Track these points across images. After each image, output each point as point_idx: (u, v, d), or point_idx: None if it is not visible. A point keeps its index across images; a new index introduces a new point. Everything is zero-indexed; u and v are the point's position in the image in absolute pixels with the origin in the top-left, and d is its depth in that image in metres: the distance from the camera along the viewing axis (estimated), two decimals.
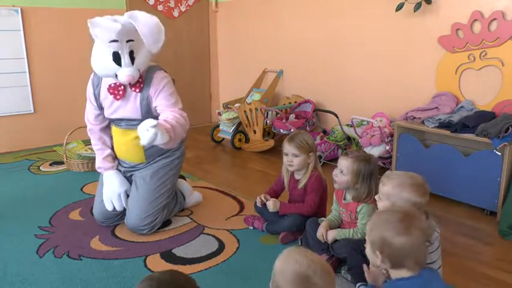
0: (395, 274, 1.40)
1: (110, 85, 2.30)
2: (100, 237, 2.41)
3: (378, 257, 1.39)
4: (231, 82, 5.26)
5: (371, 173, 1.99)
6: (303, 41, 4.26)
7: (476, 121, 2.76)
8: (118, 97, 2.30)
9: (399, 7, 3.26)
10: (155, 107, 2.33)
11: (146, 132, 1.92)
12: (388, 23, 3.52)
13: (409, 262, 1.36)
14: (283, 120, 3.89)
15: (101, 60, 2.22)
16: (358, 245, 1.91)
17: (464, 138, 2.77)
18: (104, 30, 2.10)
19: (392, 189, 1.69)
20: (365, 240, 1.96)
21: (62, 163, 3.67)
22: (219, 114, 4.45)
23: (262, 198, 2.43)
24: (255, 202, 2.51)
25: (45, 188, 3.15)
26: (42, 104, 4.17)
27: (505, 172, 2.57)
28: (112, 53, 2.17)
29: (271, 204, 2.36)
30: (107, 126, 2.53)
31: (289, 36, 4.39)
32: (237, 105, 4.40)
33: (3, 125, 3.99)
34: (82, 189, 3.12)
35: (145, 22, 2.14)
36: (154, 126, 1.91)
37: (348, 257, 1.97)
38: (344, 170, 2.03)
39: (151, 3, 4.64)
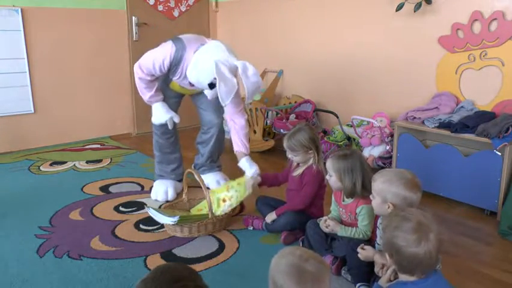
0: (401, 276, 1.39)
1: None
2: (100, 237, 2.41)
3: (388, 259, 1.38)
4: None
5: (351, 167, 2.03)
6: (303, 41, 4.26)
7: (476, 121, 2.76)
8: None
9: (400, 7, 3.26)
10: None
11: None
12: (388, 23, 3.52)
13: (418, 270, 1.33)
14: (284, 120, 3.88)
15: (199, 76, 2.58)
16: (358, 245, 1.91)
17: (464, 138, 2.78)
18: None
19: (381, 184, 1.72)
20: (365, 240, 1.98)
21: (62, 163, 3.67)
22: None
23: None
24: (256, 200, 2.64)
25: (45, 188, 3.15)
26: (42, 104, 4.16)
27: (505, 172, 2.57)
28: (209, 83, 2.57)
29: (268, 218, 2.46)
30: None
31: (289, 36, 4.39)
32: None
33: (3, 125, 3.98)
34: (82, 189, 3.12)
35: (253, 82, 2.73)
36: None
37: (348, 257, 1.97)
38: (329, 171, 2.11)
39: (151, 3, 4.64)
